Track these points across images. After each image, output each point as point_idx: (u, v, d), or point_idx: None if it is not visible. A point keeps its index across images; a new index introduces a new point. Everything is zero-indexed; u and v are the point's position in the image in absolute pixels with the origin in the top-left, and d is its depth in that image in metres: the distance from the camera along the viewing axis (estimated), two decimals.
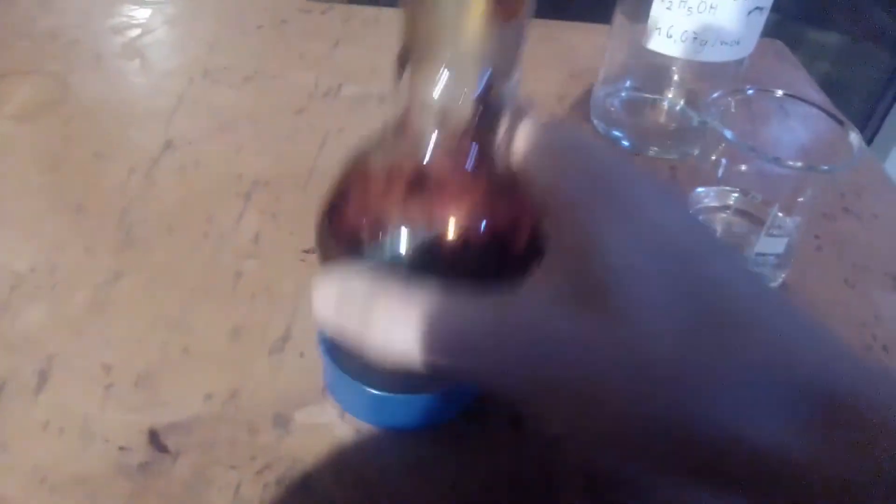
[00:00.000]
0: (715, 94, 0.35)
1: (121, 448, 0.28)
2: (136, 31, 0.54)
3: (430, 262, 0.22)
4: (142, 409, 0.29)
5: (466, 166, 0.22)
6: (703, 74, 0.46)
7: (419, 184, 0.22)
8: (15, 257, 0.35)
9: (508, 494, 0.28)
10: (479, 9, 0.19)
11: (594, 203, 0.20)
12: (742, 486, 0.17)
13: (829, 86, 0.60)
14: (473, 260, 0.23)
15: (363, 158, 0.24)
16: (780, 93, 0.36)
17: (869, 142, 1.14)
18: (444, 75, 0.21)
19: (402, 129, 0.22)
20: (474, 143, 0.22)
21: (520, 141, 0.23)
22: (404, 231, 0.22)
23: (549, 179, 0.21)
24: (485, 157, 0.22)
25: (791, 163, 0.32)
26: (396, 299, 0.20)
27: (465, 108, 0.21)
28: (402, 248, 0.22)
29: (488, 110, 0.21)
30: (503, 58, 0.21)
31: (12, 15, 0.54)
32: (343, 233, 0.24)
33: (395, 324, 0.20)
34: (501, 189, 0.23)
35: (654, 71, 0.47)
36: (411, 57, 0.20)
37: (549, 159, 0.22)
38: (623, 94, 0.49)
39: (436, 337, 0.20)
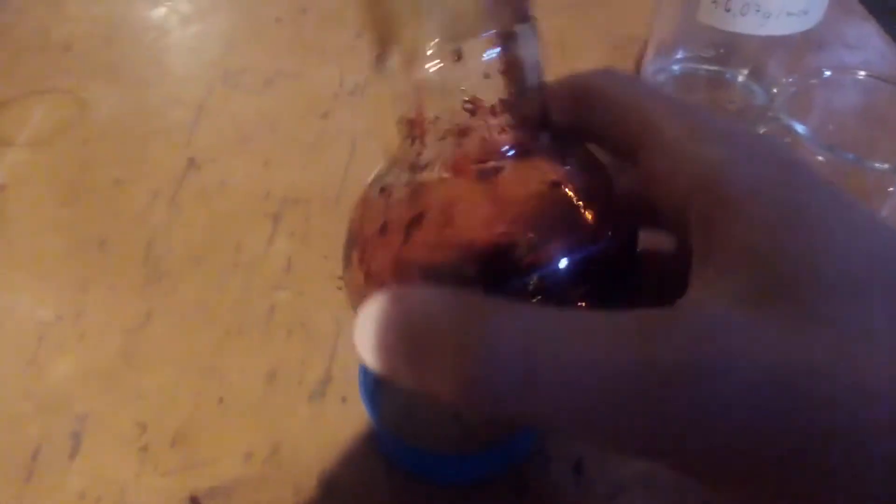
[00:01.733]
0: (787, 80, 0.31)
1: None
2: (151, 35, 0.51)
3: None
4: (179, 473, 0.28)
5: (505, 164, 0.17)
6: (768, 42, 0.41)
7: (454, 205, 0.17)
8: (38, 304, 0.34)
9: None
10: None
11: (777, 180, 0.15)
12: None
13: None
14: (552, 277, 0.17)
15: (376, 191, 0.19)
16: (861, 74, 0.32)
17: None
18: (436, 47, 0.16)
19: (409, 136, 0.18)
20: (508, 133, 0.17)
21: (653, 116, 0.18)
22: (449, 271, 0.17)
23: (704, 155, 0.16)
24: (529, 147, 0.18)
25: (878, 165, 0.28)
26: (485, 326, 0.14)
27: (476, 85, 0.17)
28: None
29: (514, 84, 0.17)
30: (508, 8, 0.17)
31: (24, 26, 0.52)
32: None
33: (477, 365, 0.14)
34: (570, 182, 0.18)
35: (711, 40, 0.43)
36: (393, 45, 0.17)
37: (693, 135, 0.17)
38: (676, 67, 0.44)
39: (539, 375, 0.13)
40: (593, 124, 0.19)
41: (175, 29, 0.52)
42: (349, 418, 0.29)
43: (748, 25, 0.37)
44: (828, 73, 0.32)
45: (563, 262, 0.16)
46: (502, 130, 0.17)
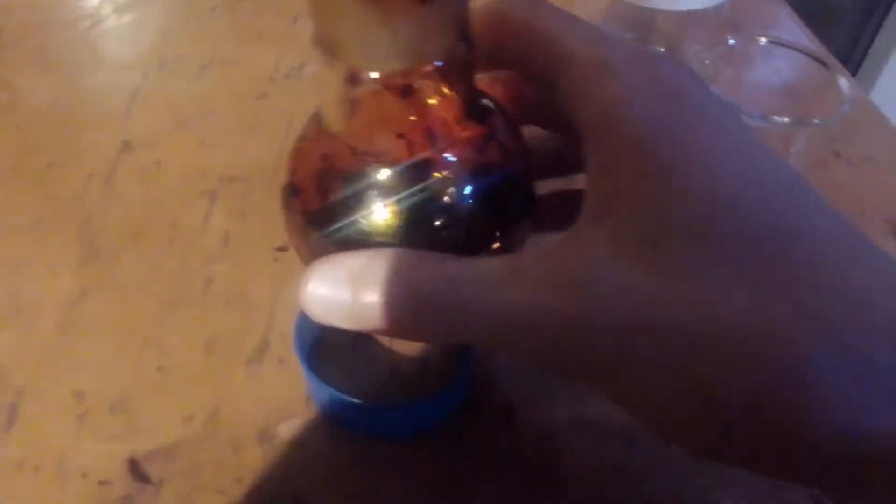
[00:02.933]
0: (696, 48, 0.33)
1: (101, 482, 0.27)
2: (85, 23, 0.51)
3: (415, 224, 0.20)
4: (119, 438, 0.28)
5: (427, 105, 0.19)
6: (684, 20, 0.43)
7: (377, 140, 0.20)
8: None
9: (507, 494, 0.27)
10: None
11: (665, 121, 0.17)
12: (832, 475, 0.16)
13: (812, 13, 0.57)
14: (462, 217, 0.20)
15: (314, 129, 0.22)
16: (763, 41, 0.34)
17: (854, 71, 1.11)
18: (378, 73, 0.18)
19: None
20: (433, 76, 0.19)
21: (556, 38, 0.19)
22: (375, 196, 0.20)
23: (601, 100, 0.18)
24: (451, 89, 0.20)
25: (779, 118, 0.30)
26: (400, 272, 0.18)
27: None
28: (379, 216, 0.20)
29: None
30: None
31: None
32: (308, 211, 0.21)
33: (400, 301, 0.18)
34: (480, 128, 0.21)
35: (630, 20, 0.45)
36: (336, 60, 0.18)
37: (596, 74, 0.18)
38: None
39: (466, 310, 0.17)
40: (513, 52, 0.21)
41: (109, 17, 0.51)
42: (287, 379, 0.30)
43: (664, 2, 0.39)
44: (732, 41, 0.34)
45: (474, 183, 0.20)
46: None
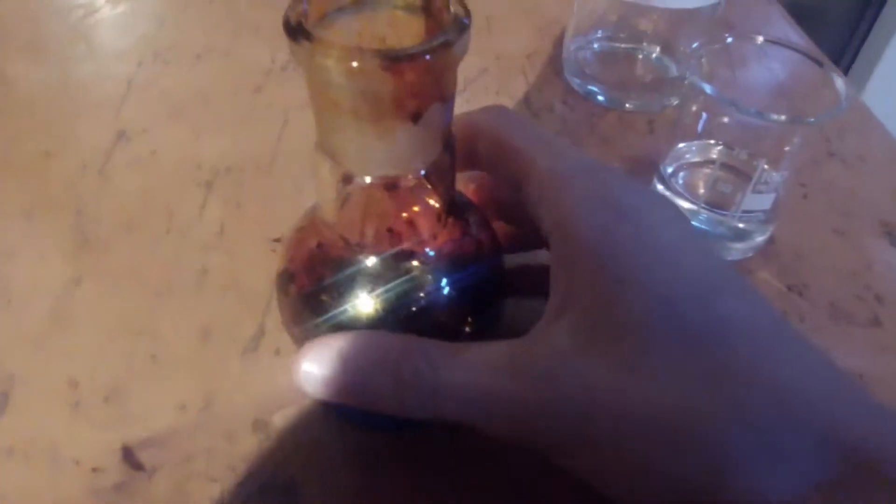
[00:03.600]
0: (694, 46, 0.33)
1: (93, 469, 0.27)
2: (78, 13, 0.51)
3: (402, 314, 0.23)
4: (113, 426, 0.28)
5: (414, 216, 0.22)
6: (678, 20, 0.44)
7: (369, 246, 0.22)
8: None
9: (503, 485, 0.27)
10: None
11: (611, 234, 0.20)
12: None
13: (803, 13, 0.58)
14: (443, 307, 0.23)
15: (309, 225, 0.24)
16: (760, 39, 0.34)
17: (845, 72, 1.12)
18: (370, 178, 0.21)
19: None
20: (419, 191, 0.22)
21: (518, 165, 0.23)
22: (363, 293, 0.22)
23: (558, 208, 0.21)
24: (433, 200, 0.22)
25: (775, 116, 0.30)
26: (392, 354, 0.21)
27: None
28: (366, 307, 0.22)
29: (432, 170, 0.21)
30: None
31: None
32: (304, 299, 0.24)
33: (386, 383, 0.21)
34: (460, 230, 0.24)
35: (627, 19, 0.45)
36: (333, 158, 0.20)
37: (553, 184, 0.21)
38: (595, 45, 0.46)
39: (445, 392, 0.20)
40: (484, 158, 0.24)
41: (104, 6, 0.51)
42: (283, 369, 0.30)
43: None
44: (730, 39, 0.35)
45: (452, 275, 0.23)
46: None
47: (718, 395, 0.17)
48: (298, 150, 0.39)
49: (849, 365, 0.32)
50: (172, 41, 0.48)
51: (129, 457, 0.27)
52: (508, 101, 0.45)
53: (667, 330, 0.18)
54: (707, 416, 0.17)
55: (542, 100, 0.45)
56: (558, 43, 0.49)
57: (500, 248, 0.25)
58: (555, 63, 0.48)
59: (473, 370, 0.20)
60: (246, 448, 0.27)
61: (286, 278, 0.24)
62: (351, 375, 0.21)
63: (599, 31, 0.46)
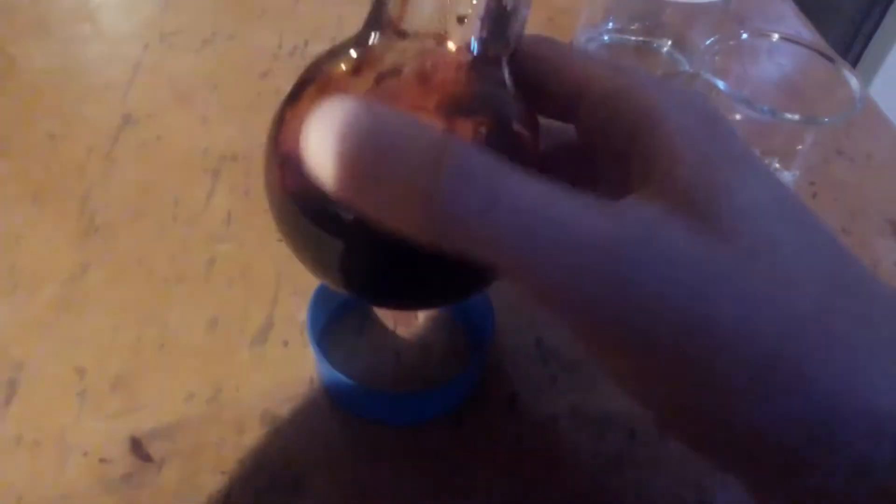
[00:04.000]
0: (708, 42, 0.33)
1: (101, 460, 0.27)
2: None
3: None
4: (121, 416, 0.28)
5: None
6: (690, 14, 0.43)
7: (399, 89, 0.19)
8: None
9: (506, 480, 0.27)
10: None
11: (709, 130, 0.17)
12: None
13: (811, 6, 0.57)
14: None
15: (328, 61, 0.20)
16: (775, 36, 0.34)
17: (853, 65, 1.11)
18: None
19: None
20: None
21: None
22: None
23: (642, 102, 0.18)
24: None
25: (789, 115, 0.30)
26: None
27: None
28: None
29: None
30: None
31: None
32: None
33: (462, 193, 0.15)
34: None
35: (639, 11, 0.45)
36: None
37: (629, 87, 0.18)
38: (605, 37, 0.46)
39: (505, 203, 0.15)
40: (533, 87, 0.21)
41: None
42: (291, 361, 0.30)
43: None
44: (745, 35, 0.34)
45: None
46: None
47: (844, 298, 0.15)
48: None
49: None
50: (178, 24, 0.47)
51: (137, 448, 0.27)
52: None
53: (784, 226, 0.16)
54: (836, 313, 0.15)
55: None
56: (569, 34, 0.49)
57: (541, 144, 0.21)
58: None
59: (549, 189, 0.15)
60: (254, 440, 0.27)
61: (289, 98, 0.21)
62: (376, 147, 0.15)
63: (610, 23, 0.46)
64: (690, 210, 0.16)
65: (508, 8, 0.18)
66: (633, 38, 0.45)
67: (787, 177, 0.33)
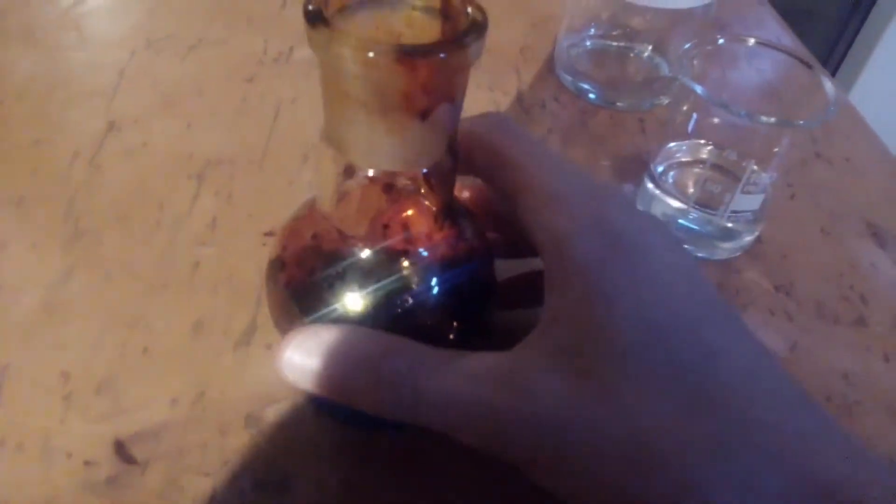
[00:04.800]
0: (686, 47, 0.34)
1: (86, 462, 0.27)
2: (69, 1, 0.50)
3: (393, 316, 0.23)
4: (105, 419, 0.28)
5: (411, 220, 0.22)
6: (671, 20, 0.44)
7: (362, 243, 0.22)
8: None
9: (490, 478, 0.27)
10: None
11: (605, 259, 0.20)
12: None
13: (793, 13, 0.58)
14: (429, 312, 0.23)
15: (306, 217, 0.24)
16: (751, 41, 0.35)
17: (833, 71, 1.13)
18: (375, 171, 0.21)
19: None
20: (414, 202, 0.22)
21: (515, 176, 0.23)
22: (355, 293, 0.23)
23: (553, 228, 0.21)
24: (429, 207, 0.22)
25: (765, 119, 0.31)
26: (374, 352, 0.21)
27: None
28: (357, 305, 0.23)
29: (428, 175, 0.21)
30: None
31: None
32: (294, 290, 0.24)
33: (366, 380, 0.21)
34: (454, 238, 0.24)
35: (620, 17, 0.45)
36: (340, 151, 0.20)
37: (549, 203, 0.22)
38: (588, 43, 0.47)
39: (424, 396, 0.20)
40: (482, 167, 0.24)
41: None
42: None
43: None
44: (721, 40, 0.35)
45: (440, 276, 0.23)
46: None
47: (696, 424, 0.18)
48: (290, 142, 0.39)
49: (834, 364, 0.33)
50: (165, 30, 0.48)
51: (121, 450, 0.27)
52: (500, 97, 0.45)
53: (650, 356, 0.18)
54: (682, 444, 0.18)
55: (534, 96, 0.45)
56: (551, 39, 0.49)
57: (493, 256, 0.26)
58: (547, 60, 0.48)
59: (454, 377, 0.20)
60: (239, 442, 0.28)
61: (277, 267, 0.25)
62: (332, 368, 0.21)
63: (592, 29, 0.46)
64: (571, 352, 0.20)
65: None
66: (614, 43, 0.46)
67: (765, 178, 0.33)
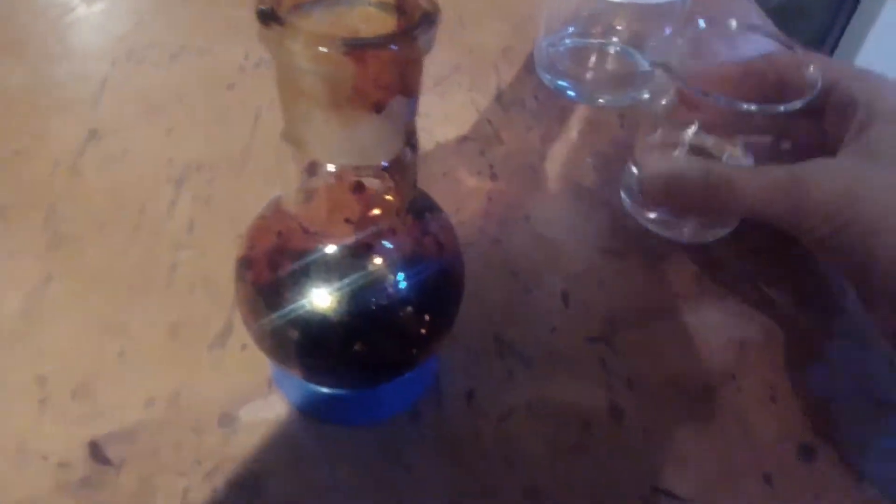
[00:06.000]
0: (666, 33, 0.34)
1: (60, 464, 0.27)
2: (55, 11, 0.51)
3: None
4: (80, 422, 0.28)
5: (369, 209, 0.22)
6: (649, 15, 0.44)
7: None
8: None
9: (465, 474, 0.27)
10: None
11: None
12: None
13: (779, 10, 0.58)
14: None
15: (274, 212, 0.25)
16: (733, 24, 0.35)
17: None
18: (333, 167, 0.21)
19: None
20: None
21: None
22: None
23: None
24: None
25: (746, 105, 0.31)
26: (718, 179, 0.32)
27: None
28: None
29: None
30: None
31: None
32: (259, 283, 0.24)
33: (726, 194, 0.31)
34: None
35: (597, 15, 0.46)
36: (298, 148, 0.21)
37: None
38: (567, 41, 0.47)
39: (740, 181, 0.31)
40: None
41: (80, 6, 0.51)
42: (250, 364, 0.30)
43: None
44: (702, 23, 0.35)
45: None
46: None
47: None
48: (269, 147, 0.40)
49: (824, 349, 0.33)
50: (149, 40, 0.48)
51: (96, 451, 0.27)
52: (480, 97, 0.45)
53: None
54: None
55: (514, 95, 0.45)
56: (531, 39, 0.49)
57: (460, 251, 0.26)
58: (527, 59, 0.48)
59: (761, 173, 0.31)
60: (212, 442, 0.28)
61: (244, 265, 0.25)
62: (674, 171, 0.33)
63: (571, 28, 0.47)
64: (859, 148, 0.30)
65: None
66: (593, 41, 0.46)
67: (745, 162, 0.33)
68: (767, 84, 0.34)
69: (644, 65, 0.45)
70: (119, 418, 0.28)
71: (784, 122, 0.33)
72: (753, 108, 0.31)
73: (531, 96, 0.45)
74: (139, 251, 0.35)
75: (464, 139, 0.42)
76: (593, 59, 0.46)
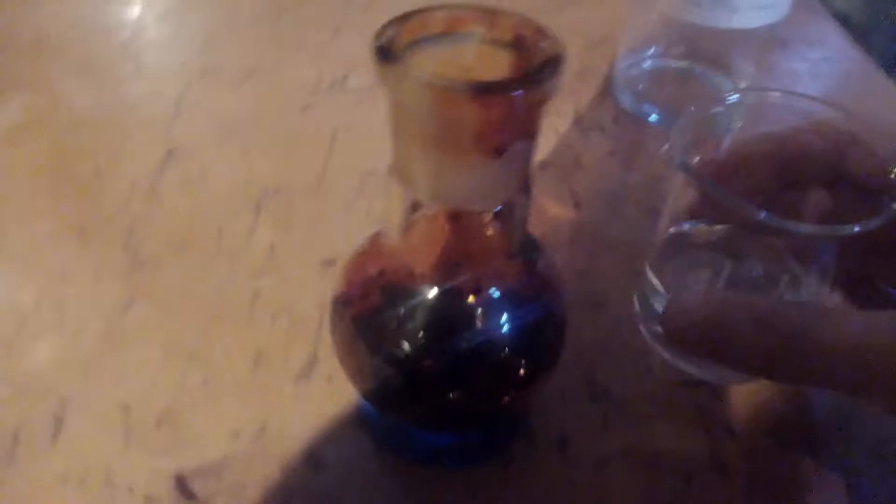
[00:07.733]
0: (681, 121, 0.28)
1: (147, 497, 0.26)
2: (125, 33, 0.51)
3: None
4: (166, 453, 0.28)
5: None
6: (734, 38, 0.43)
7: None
8: (18, 292, 0.33)
9: None
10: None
11: None
12: None
13: (856, 26, 0.56)
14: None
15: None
16: (776, 94, 0.28)
17: None
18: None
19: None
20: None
21: None
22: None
23: None
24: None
25: (808, 227, 0.23)
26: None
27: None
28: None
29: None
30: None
31: None
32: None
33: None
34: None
35: (681, 36, 0.44)
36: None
37: None
38: (647, 63, 0.45)
39: (821, 347, 0.20)
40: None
41: (150, 27, 0.52)
42: (336, 398, 0.29)
43: (716, 19, 0.38)
44: (735, 97, 0.29)
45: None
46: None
47: None
48: (347, 171, 0.39)
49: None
50: (219, 60, 0.48)
51: (182, 486, 0.27)
52: (558, 120, 0.44)
53: None
54: None
55: (593, 119, 0.44)
56: (608, 61, 0.48)
57: (564, 293, 0.25)
58: (606, 81, 0.47)
59: (857, 326, 0.20)
60: (300, 480, 0.27)
61: (342, 303, 0.24)
62: (718, 329, 0.21)
63: (651, 49, 0.45)
64: None
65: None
66: (674, 63, 0.45)
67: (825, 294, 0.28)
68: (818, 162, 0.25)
69: (728, 88, 0.43)
70: (204, 450, 0.28)
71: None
72: (811, 228, 0.23)
73: (610, 120, 0.44)
74: (219, 275, 0.34)
75: (545, 165, 0.41)
76: (674, 82, 0.45)
